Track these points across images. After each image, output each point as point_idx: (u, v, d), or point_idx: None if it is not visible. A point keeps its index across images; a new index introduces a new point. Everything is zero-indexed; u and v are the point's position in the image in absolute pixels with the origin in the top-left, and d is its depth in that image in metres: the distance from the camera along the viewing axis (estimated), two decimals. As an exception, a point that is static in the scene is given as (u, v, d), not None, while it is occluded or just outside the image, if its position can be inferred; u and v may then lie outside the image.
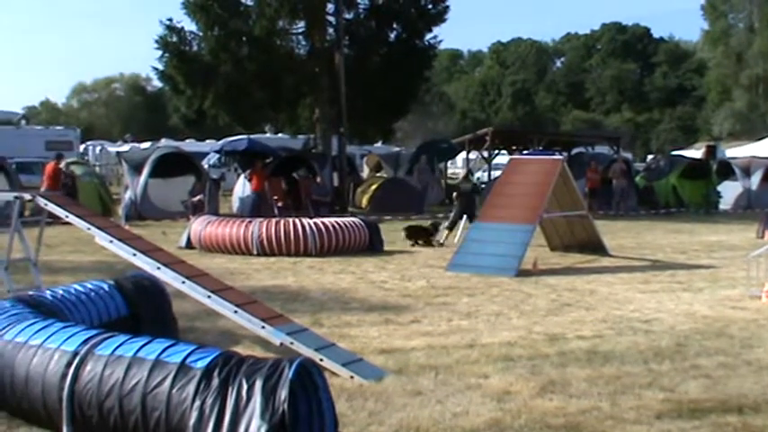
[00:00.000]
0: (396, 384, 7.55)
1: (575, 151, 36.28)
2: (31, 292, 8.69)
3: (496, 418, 6.67)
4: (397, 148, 44.86)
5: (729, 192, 33.64)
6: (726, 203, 33.38)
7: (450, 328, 10.20)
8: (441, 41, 34.83)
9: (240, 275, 14.47)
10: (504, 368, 8.20)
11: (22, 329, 6.58)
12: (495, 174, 30.02)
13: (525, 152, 32.57)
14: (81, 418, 5.87)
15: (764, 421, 6.70)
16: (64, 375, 5.97)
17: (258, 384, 5.25)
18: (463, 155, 38.99)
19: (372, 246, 18.15)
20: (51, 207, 10.41)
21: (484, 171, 37.97)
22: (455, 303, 11.95)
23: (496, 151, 35.54)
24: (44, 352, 6.23)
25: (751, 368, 8.38)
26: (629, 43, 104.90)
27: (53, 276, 12.91)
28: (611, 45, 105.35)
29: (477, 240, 15.76)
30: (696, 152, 43.28)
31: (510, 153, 34.65)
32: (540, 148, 32.40)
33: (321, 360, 7.59)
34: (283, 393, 5.17)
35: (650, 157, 50.44)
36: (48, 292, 8.38)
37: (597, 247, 17.68)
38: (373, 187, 31.62)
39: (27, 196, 11.49)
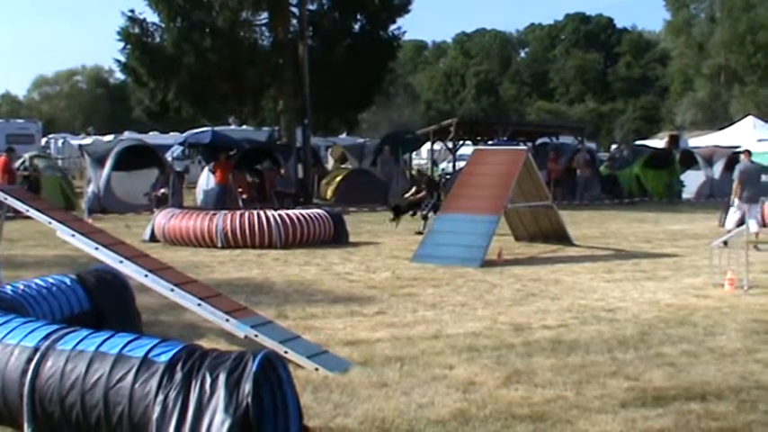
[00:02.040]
0: (361, 376, 7.54)
1: (539, 141, 36.41)
2: (-9, 288, 8.58)
3: (462, 408, 6.68)
4: (362, 140, 44.70)
5: (692, 181, 33.95)
6: (689, 192, 33.69)
7: (415, 319, 10.21)
8: (405, 32, 34.96)
9: (204, 268, 14.40)
10: (470, 359, 8.22)
11: (-18, 325, 6.49)
12: (460, 164, 30.08)
13: (490, 143, 32.67)
14: (42, 414, 5.79)
15: (727, 408, 6.77)
16: (24, 371, 5.88)
17: (222, 378, 5.21)
18: (428, 146, 39.01)
19: (337, 237, 18.12)
20: (11, 201, 10.27)
21: (448, 162, 38.02)
22: (420, 294, 11.96)
23: (461, 142, 35.56)
24: (4, 348, 6.14)
25: (714, 355, 8.46)
26: (593, 33, 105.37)
27: (15, 271, 12.76)
28: (575, 35, 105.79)
29: (441, 231, 15.78)
30: (659, 142, 43.59)
31: (474, 144, 34.70)
32: (505, 138, 32.49)
33: (286, 352, 7.57)
34: (247, 387, 5.14)
35: (614, 146, 50.74)
36: (8, 287, 8.27)
37: (562, 237, 17.78)
38: (338, 179, 31.58)
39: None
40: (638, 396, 7.05)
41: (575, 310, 10.84)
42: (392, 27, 33.96)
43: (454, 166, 34.05)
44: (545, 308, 10.98)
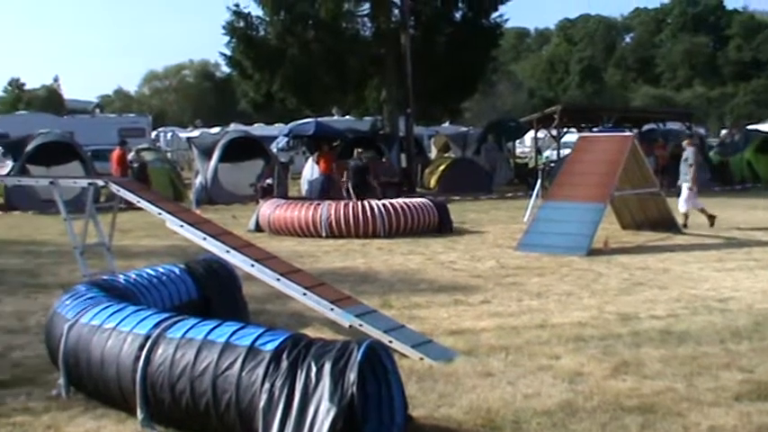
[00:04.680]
0: (466, 366, 7.49)
1: (645, 128, 35.65)
2: (105, 277, 8.83)
3: (568, 399, 6.58)
4: (465, 128, 44.47)
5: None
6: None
7: (520, 309, 10.11)
8: (507, 20, 34.73)
9: (309, 258, 14.53)
10: (576, 349, 8.09)
11: (97, 313, 6.68)
12: (564, 152, 29.70)
13: (595, 130, 32.15)
14: (154, 400, 5.94)
15: None
16: (137, 358, 6.04)
17: (327, 367, 5.24)
18: (531, 134, 38.63)
19: (441, 226, 18.08)
20: (124, 193, 10.55)
21: (552, 150, 37.58)
22: (525, 283, 11.83)
23: (565, 129, 35.09)
24: (118, 335, 6.32)
25: (832, 347, 8.14)
26: (701, 16, 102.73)
27: (127, 261, 13.11)
28: (682, 18, 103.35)
29: (547, 220, 15.58)
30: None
31: (579, 131, 34.18)
32: (610, 125, 31.94)
33: (390, 342, 7.57)
34: (352, 376, 5.16)
35: (724, 131, 49.37)
36: (121, 276, 8.50)
37: (670, 225, 17.37)
38: (441, 168, 31.51)
39: (101, 182, 11.67)
40: (753, 389, 6.80)
41: (684, 299, 10.56)
42: (494, 15, 33.79)
43: (558, 153, 33.63)
44: (653, 297, 10.74)
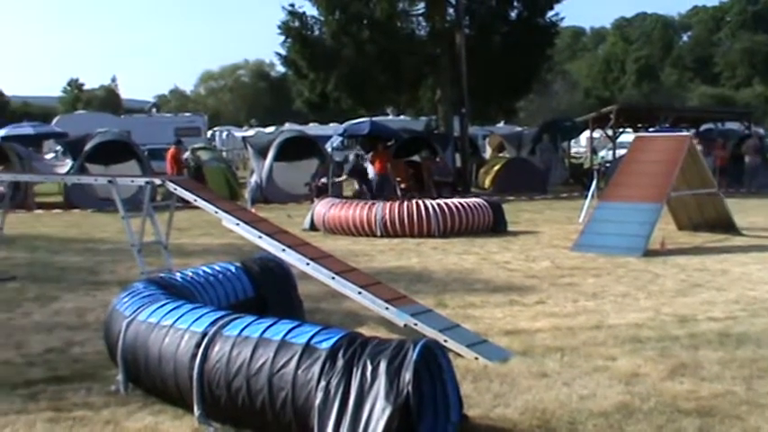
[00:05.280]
0: (521, 366, 7.46)
1: (703, 128, 35.15)
2: (162, 274, 8.92)
3: (625, 401, 6.51)
4: (520, 128, 44.22)
5: None
6: None
7: (575, 309, 10.03)
8: (563, 19, 34.43)
9: (364, 257, 14.56)
10: (633, 350, 8.00)
11: (155, 310, 6.76)
12: (620, 152, 29.40)
13: (651, 130, 31.77)
14: (210, 397, 5.99)
15: None
16: (194, 355, 6.10)
17: (382, 366, 5.24)
18: (587, 133, 38.29)
19: (496, 226, 18.00)
20: (181, 191, 10.66)
21: (608, 149, 37.21)
22: (581, 284, 11.74)
23: (621, 129, 34.73)
24: (175, 332, 6.38)
25: None
26: (761, 14, 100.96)
27: (183, 259, 13.25)
28: (742, 16, 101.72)
29: (602, 220, 15.45)
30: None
31: (635, 131, 33.80)
32: (667, 125, 31.53)
33: (445, 341, 7.54)
34: (408, 375, 5.15)
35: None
36: (178, 273, 8.59)
37: (728, 226, 17.12)
38: (496, 168, 31.38)
39: (158, 181, 11.81)
40: (816, 393, 6.69)
41: (743, 301, 10.40)
42: (550, 14, 33.55)
43: (614, 153, 33.31)
44: (711, 299, 10.58)
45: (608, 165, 30.65)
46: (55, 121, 47.55)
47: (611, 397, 6.60)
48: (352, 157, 23.17)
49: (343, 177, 23.30)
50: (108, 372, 7.36)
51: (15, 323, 9.89)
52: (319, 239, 15.86)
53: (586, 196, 20.44)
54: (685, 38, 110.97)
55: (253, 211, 15.72)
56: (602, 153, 40.40)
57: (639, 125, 35.31)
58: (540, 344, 8.25)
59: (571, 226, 18.30)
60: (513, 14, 33.47)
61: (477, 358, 7.58)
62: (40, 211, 24.91)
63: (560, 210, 23.01)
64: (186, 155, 26.92)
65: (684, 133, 19.25)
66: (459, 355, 7.54)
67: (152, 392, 6.69)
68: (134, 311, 6.90)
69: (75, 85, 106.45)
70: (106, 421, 6.26)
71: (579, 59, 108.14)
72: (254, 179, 27.97)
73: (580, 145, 51.34)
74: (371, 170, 26.75)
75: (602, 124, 33.91)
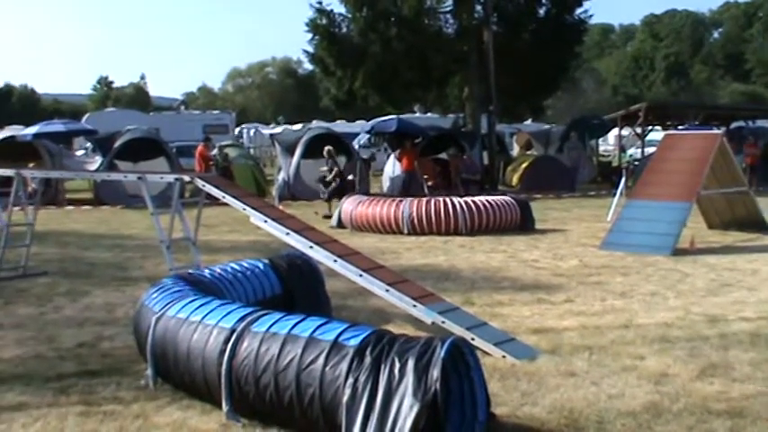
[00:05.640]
0: (549, 365, 7.44)
1: (734, 126, 34.87)
2: (190, 271, 8.97)
3: (654, 401, 6.48)
4: (548, 126, 44.06)
5: None
6: None
7: (603, 308, 9.99)
8: (591, 16, 34.20)
9: (391, 254, 14.57)
10: (661, 350, 7.96)
11: (183, 306, 6.80)
12: (649, 150, 29.23)
13: (680, 127, 31.57)
14: (239, 392, 6.02)
15: None
16: (222, 351, 6.13)
17: (410, 363, 5.24)
18: (615, 131, 38.10)
19: (524, 224, 17.96)
20: (209, 188, 10.70)
21: (637, 148, 37.00)
22: (609, 283, 11.69)
23: (650, 127, 34.53)
24: (204, 328, 6.42)
25: None
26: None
27: (211, 255, 13.31)
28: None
29: (631, 218, 15.36)
30: None
31: (664, 129, 33.62)
32: (697, 123, 31.32)
33: (473, 339, 7.53)
34: (435, 372, 5.15)
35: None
36: (206, 270, 8.64)
37: (759, 225, 16.96)
38: (523, 165, 31.31)
39: (186, 178, 11.85)
40: None
41: (775, 301, 10.31)
42: (578, 11, 33.32)
43: (643, 151, 33.13)
44: (742, 299, 10.49)
45: (636, 163, 30.51)
46: (85, 118, 47.94)
47: (639, 397, 6.57)
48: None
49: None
50: (137, 366, 7.42)
51: (47, 317, 10.00)
52: (346, 237, 15.88)
53: (615, 194, 20.35)
54: (716, 34, 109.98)
55: (280, 208, 15.74)
56: (630, 151, 40.16)
57: (669, 123, 35.14)
58: (567, 342, 8.22)
59: (599, 224, 18.22)
60: (542, 11, 33.29)
61: (504, 356, 7.57)
62: (70, 208, 25.13)
63: (588, 208, 22.90)
64: (214, 152, 27.01)
65: (715, 131, 19.11)
66: (486, 353, 7.52)
67: (181, 387, 6.73)
68: (163, 307, 6.95)
69: (104, 82, 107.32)
70: (135, 415, 6.31)
71: (608, 57, 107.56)
72: (281, 176, 28.06)
73: (608, 143, 51.04)
74: (398, 167, 26.75)
75: (631, 122, 33.74)
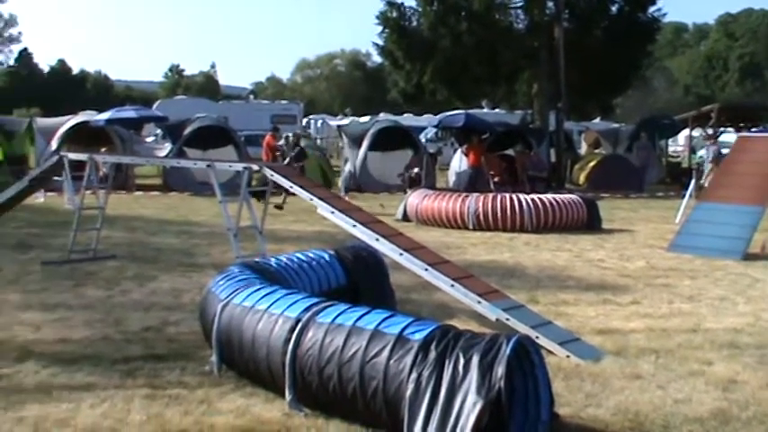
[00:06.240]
0: (614, 366, 7.35)
1: (810, 129, 34.05)
2: (256, 259, 9.04)
3: (722, 407, 6.35)
4: (617, 125, 43.53)
5: None
6: None
7: (671, 311, 9.84)
8: (665, 14, 33.69)
9: (456, 249, 14.52)
10: (730, 356, 7.80)
11: (249, 294, 6.85)
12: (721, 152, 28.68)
13: (754, 130, 30.94)
14: (302, 382, 6.05)
15: None
16: (287, 340, 6.16)
17: (475, 359, 5.21)
18: (685, 132, 37.48)
19: (590, 223, 17.78)
20: (277, 178, 10.77)
21: (708, 148, 36.37)
22: (676, 285, 11.50)
23: (722, 129, 33.88)
24: (269, 317, 6.45)
25: None
26: None
27: (277, 244, 13.39)
28: None
29: (701, 221, 15.10)
30: None
31: (737, 131, 32.94)
32: (771, 125, 30.67)
33: (537, 338, 7.46)
34: (500, 370, 5.12)
35: None
36: (272, 259, 8.69)
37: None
38: (591, 164, 30.98)
39: (255, 167, 11.95)
40: None
41: None
42: (652, 9, 32.87)
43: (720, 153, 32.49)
44: (815, 306, 10.26)
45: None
46: (156, 105, 48.60)
47: (707, 403, 6.45)
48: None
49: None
50: (202, 352, 7.50)
51: (114, 300, 10.16)
52: (412, 230, 15.85)
53: (684, 196, 20.03)
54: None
55: (346, 199, 15.79)
56: (700, 152, 39.49)
57: (742, 125, 34.42)
58: (633, 345, 8.11)
59: (667, 226, 17.94)
60: (614, 9, 32.91)
61: (568, 356, 7.50)
62: (139, 193, 25.51)
63: (656, 209, 22.58)
64: (280, 142, 27.17)
65: (790, 134, 18.76)
66: (550, 352, 7.46)
67: (244, 375, 6.78)
68: (229, 294, 7.00)
69: (175, 70, 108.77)
70: (200, 401, 6.38)
71: (680, 56, 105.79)
72: (347, 168, 28.15)
73: (678, 144, 50.24)
74: (465, 163, 26.65)
75: (703, 123, 33.14)
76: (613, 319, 9.35)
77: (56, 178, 15.54)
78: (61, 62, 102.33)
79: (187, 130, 27.72)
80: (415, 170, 25.34)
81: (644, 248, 15.22)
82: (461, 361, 5.26)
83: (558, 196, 18.43)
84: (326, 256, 8.91)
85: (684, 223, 15.72)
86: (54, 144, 26.91)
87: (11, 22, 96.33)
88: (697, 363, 7.53)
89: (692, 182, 20.47)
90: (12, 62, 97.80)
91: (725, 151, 24.75)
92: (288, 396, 6.13)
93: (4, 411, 6.16)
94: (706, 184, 18.64)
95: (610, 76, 31.90)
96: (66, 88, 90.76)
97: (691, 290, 11.19)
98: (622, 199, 25.93)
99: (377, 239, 9.10)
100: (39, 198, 20.70)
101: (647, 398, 6.53)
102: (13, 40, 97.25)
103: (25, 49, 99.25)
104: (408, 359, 5.45)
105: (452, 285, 8.43)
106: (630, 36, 31.59)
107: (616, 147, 34.70)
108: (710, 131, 32.49)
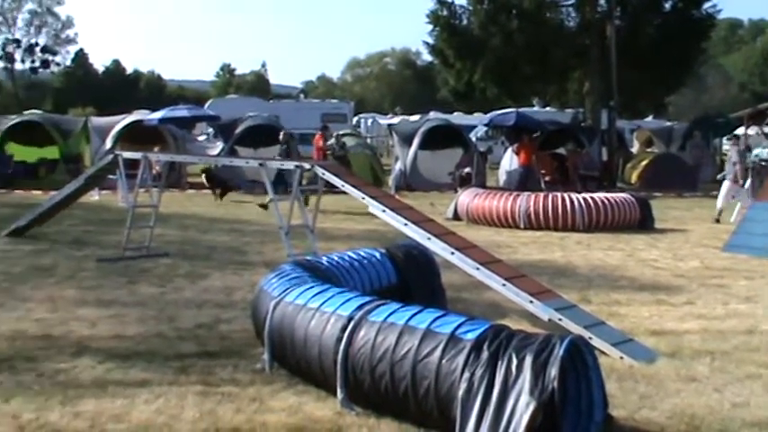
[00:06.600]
0: (668, 368, 7.24)
1: None
2: (308, 257, 9.07)
3: (780, 412, 6.24)
4: (669, 123, 43.02)
5: None
6: None
7: (726, 312, 9.68)
8: (720, 11, 33.20)
9: (507, 248, 14.45)
10: (789, 359, 7.66)
11: (301, 292, 6.86)
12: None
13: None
14: (354, 381, 6.05)
15: None
16: (339, 339, 6.16)
17: (528, 360, 5.17)
18: (741, 130, 36.93)
19: (643, 223, 17.59)
20: (329, 176, 10.80)
21: (763, 148, 35.78)
22: (732, 286, 11.32)
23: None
24: (321, 315, 6.46)
25: None
26: None
27: (328, 243, 13.42)
28: None
29: (757, 221, 14.84)
30: None
31: (794, 129, 32.37)
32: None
33: (590, 338, 7.37)
34: (553, 371, 5.07)
35: None
36: (323, 257, 8.71)
37: None
38: (643, 163, 30.68)
39: (306, 166, 11.99)
40: None
41: None
42: (706, 5, 32.44)
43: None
44: None
45: (763, 163, 29.49)
46: (208, 104, 48.95)
47: (765, 407, 6.32)
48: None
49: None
50: (254, 350, 7.54)
51: (168, 297, 10.25)
52: (462, 229, 15.75)
53: (738, 195, 19.71)
54: None
55: (396, 198, 15.79)
56: (756, 151, 38.87)
57: (798, 123, 33.81)
58: (688, 346, 8.00)
59: (722, 225, 17.71)
60: (668, 5, 32.54)
61: (622, 357, 7.41)
62: (191, 191, 25.73)
63: (710, 208, 22.19)
64: (331, 141, 27.26)
65: None
66: (603, 353, 7.36)
67: (296, 373, 6.80)
68: (281, 293, 7.02)
69: (227, 69, 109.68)
70: (252, 398, 6.40)
71: (735, 52, 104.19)
72: (398, 166, 28.15)
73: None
74: (516, 161, 26.51)
75: (759, 121, 32.60)
76: (667, 319, 9.23)
77: (110, 176, 15.73)
78: (116, 62, 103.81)
79: (238, 129, 27.94)
80: (466, 169, 25.30)
81: (698, 248, 15.02)
82: (514, 361, 5.21)
83: (609, 195, 18.27)
84: (377, 255, 8.91)
85: (740, 223, 15.49)
86: (108, 143, 27.26)
87: (67, 23, 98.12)
88: (754, 365, 7.40)
89: (748, 181, 20.14)
90: (68, 63, 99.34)
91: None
92: (339, 395, 6.13)
93: (62, 406, 6.24)
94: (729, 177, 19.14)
95: (662, 74, 31.57)
96: (121, 88, 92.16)
97: (747, 291, 11.01)
98: (676, 198, 25.65)
99: (428, 238, 9.07)
100: (94, 196, 20.97)
101: (704, 401, 6.43)
102: (69, 41, 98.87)
103: (81, 50, 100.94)
104: (461, 359, 5.42)
105: (504, 285, 8.37)
106: (684, 33, 31.23)
107: (669, 145, 34.32)
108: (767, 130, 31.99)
